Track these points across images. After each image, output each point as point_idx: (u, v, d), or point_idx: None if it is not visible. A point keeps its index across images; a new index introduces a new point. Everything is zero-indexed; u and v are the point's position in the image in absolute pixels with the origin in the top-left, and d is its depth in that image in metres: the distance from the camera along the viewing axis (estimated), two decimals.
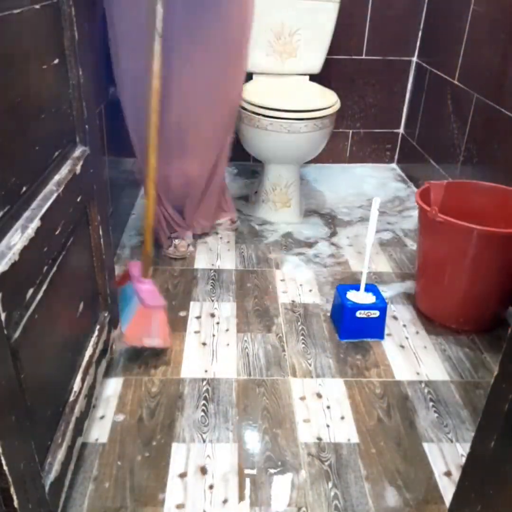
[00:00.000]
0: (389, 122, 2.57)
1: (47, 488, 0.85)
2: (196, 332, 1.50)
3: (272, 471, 1.12)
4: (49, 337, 0.89)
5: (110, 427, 1.20)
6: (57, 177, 0.91)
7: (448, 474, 1.13)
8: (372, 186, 2.43)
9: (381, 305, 1.47)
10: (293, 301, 1.65)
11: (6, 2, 0.72)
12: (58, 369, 0.96)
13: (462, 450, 1.18)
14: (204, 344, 1.46)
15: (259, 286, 1.71)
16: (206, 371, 1.37)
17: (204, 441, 1.18)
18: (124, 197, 1.98)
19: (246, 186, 2.38)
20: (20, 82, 0.77)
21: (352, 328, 1.47)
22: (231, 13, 1.58)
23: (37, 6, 0.82)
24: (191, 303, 1.62)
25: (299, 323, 1.55)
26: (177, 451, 1.15)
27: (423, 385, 1.35)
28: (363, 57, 2.41)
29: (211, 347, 1.45)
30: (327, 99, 1.93)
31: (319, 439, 1.20)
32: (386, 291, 1.69)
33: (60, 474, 0.91)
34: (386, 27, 2.35)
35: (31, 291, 0.78)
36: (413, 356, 1.45)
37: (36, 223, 0.78)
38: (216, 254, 1.88)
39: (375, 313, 1.46)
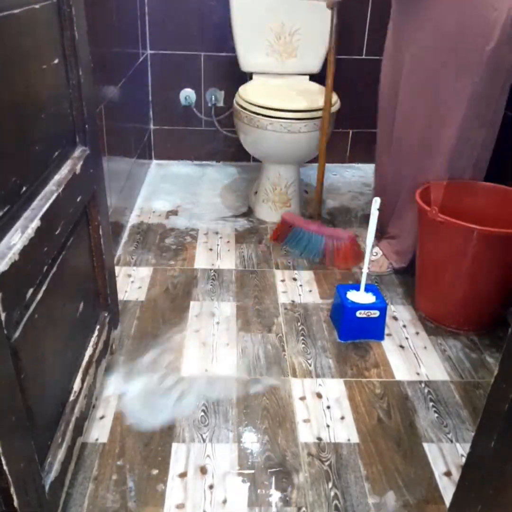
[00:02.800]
0: None
1: (47, 488, 0.85)
2: (196, 331, 1.50)
3: (272, 471, 1.12)
4: (49, 337, 0.89)
5: (110, 427, 1.20)
6: (57, 177, 0.91)
7: (448, 474, 1.13)
8: (372, 186, 2.43)
9: (381, 305, 1.46)
10: (293, 301, 1.65)
11: (6, 2, 0.72)
12: (58, 369, 0.96)
13: (462, 450, 1.18)
14: (204, 343, 1.46)
15: (259, 286, 1.71)
16: (206, 370, 1.37)
17: (204, 441, 1.18)
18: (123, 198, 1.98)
19: (246, 186, 2.38)
20: (20, 82, 0.77)
21: (352, 328, 1.47)
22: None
23: (37, 6, 0.82)
24: (191, 302, 1.62)
25: (299, 323, 1.55)
26: (177, 451, 1.15)
27: (423, 385, 1.35)
28: (363, 57, 2.41)
29: (211, 347, 1.45)
30: None
31: (319, 439, 1.20)
32: (386, 292, 1.70)
33: (60, 474, 0.91)
34: (386, 27, 2.35)
35: (31, 291, 0.78)
36: (413, 356, 1.45)
37: (36, 223, 0.78)
38: (216, 254, 1.88)
39: (375, 313, 1.46)
